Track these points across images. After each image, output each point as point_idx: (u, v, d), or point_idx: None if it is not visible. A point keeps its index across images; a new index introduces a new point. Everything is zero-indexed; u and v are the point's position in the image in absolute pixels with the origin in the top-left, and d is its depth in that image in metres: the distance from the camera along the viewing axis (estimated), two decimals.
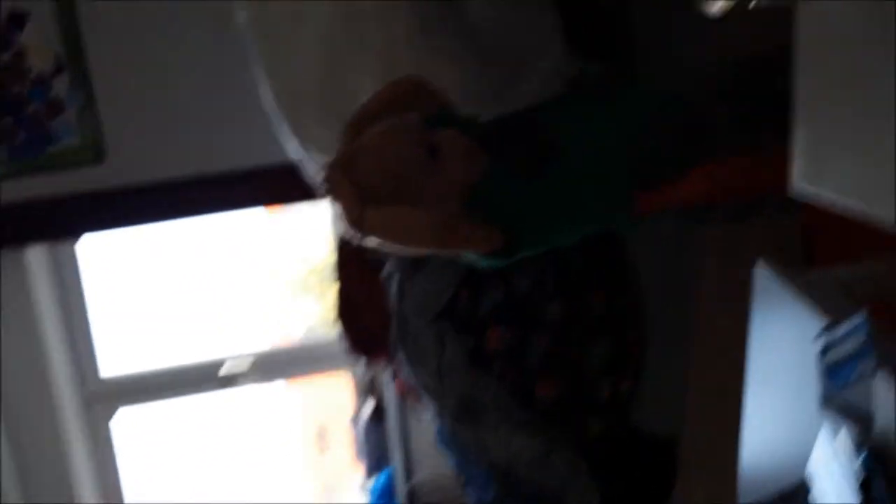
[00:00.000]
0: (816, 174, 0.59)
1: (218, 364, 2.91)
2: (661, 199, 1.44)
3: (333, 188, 1.34)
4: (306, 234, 3.48)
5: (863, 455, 0.89)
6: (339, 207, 1.34)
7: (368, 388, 2.99)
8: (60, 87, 2.36)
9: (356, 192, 1.32)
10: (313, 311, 3.92)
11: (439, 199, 1.36)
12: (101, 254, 2.97)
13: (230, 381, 2.90)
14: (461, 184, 1.38)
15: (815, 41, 0.58)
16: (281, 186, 2.48)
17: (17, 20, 2.29)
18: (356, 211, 1.30)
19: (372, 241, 1.37)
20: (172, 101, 2.40)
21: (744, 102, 1.38)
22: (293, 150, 2.14)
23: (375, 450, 2.98)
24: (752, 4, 0.49)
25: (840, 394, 0.93)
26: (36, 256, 2.63)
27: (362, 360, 2.31)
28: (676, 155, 1.40)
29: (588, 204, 1.41)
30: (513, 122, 1.50)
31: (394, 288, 2.07)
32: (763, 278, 1.11)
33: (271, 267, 3.88)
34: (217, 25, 2.25)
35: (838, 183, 0.57)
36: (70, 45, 2.32)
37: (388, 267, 2.11)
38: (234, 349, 2.98)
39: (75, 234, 2.61)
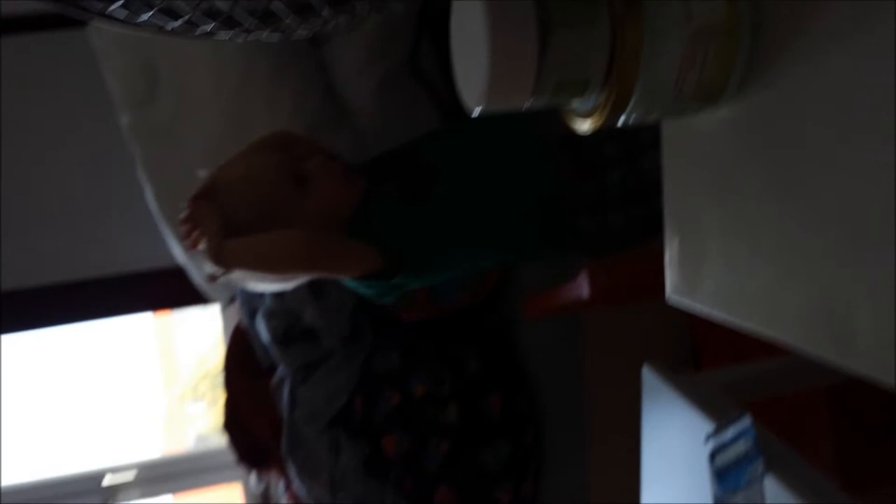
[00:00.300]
0: (688, 287, 0.59)
1: (100, 475, 2.73)
2: (548, 304, 1.44)
3: (193, 220, 1.19)
4: (197, 338, 3.37)
5: None
6: (200, 243, 1.19)
7: (260, 502, 2.86)
8: None
9: (217, 223, 1.19)
10: (204, 419, 3.75)
11: (312, 224, 1.25)
12: None
13: (113, 493, 2.72)
14: (337, 206, 1.28)
15: (680, 156, 0.58)
16: (167, 291, 2.41)
17: None
18: (214, 241, 1.16)
19: (239, 278, 1.22)
20: (57, 205, 2.31)
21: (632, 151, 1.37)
22: (178, 253, 2.09)
23: None
24: (619, 123, 0.50)
25: (731, 499, 0.92)
26: None
27: (252, 472, 2.21)
28: (566, 190, 1.33)
29: (474, 231, 1.31)
30: (394, 152, 1.43)
31: (285, 395, 2.00)
32: (650, 379, 1.11)
33: (160, 372, 3.72)
34: (101, 130, 2.19)
35: (710, 296, 0.57)
36: None
37: (278, 373, 2.05)
38: (119, 459, 2.82)
39: None
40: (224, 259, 1.15)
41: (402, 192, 1.30)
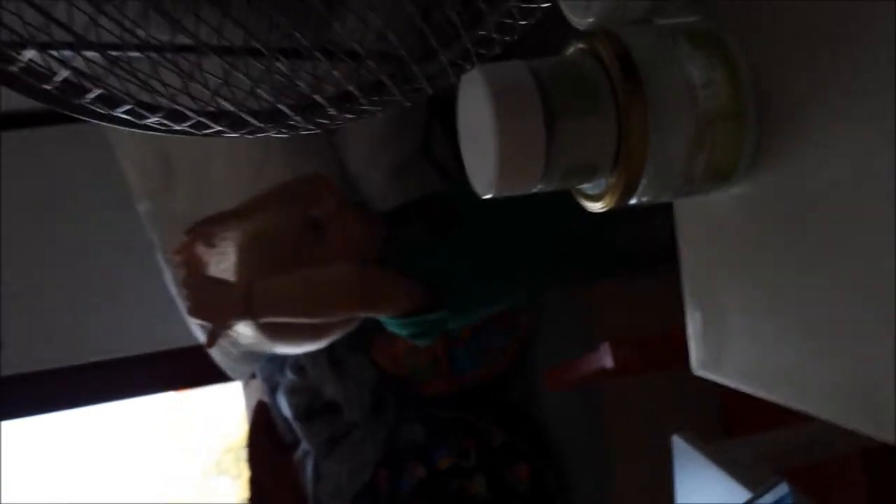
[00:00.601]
0: (714, 361, 0.58)
1: None
2: (570, 376, 1.43)
3: (215, 260, 1.12)
4: (219, 415, 3.35)
5: None
6: (219, 296, 1.06)
7: None
8: None
9: (239, 271, 1.11)
10: (229, 494, 3.71)
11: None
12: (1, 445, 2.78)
13: None
14: (357, 246, 1.21)
15: (695, 232, 0.58)
16: (188, 370, 2.42)
17: None
18: (241, 286, 1.05)
19: (267, 329, 1.08)
20: (73, 286, 2.34)
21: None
22: (197, 333, 2.10)
23: None
24: (631, 203, 0.50)
25: None
26: None
27: None
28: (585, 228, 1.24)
29: (506, 254, 1.23)
30: (412, 201, 1.40)
31: (308, 470, 1.98)
32: (681, 449, 1.09)
33: (184, 448, 3.70)
34: (118, 213, 2.23)
35: (736, 370, 0.56)
36: None
37: (301, 448, 2.03)
38: None
39: None
40: (253, 304, 1.03)
41: (430, 226, 1.25)
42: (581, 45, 0.50)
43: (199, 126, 0.37)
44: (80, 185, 2.31)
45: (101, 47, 0.34)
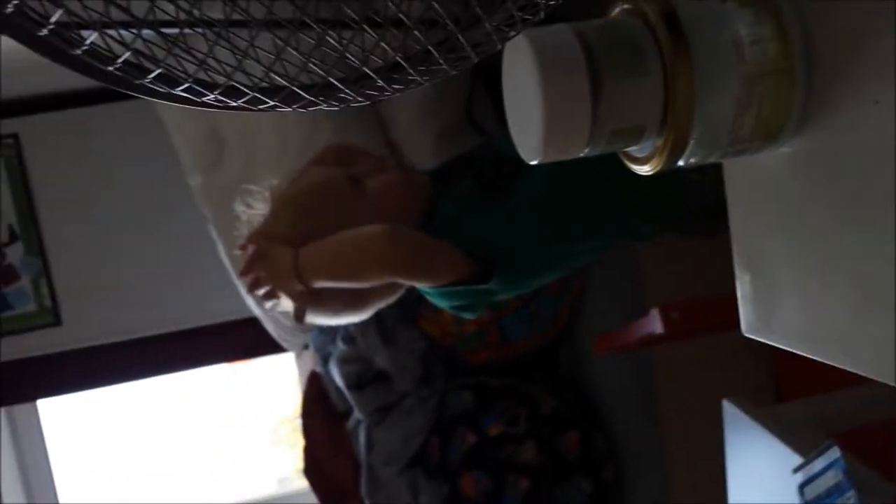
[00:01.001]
0: (764, 323, 0.58)
1: None
2: (619, 342, 1.42)
3: (258, 259, 1.08)
4: (274, 384, 3.41)
5: None
6: (273, 266, 1.05)
7: None
8: (14, 256, 2.35)
9: (286, 240, 1.09)
10: (285, 463, 3.79)
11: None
12: (63, 415, 2.88)
13: None
14: (400, 201, 1.15)
15: (744, 193, 0.58)
16: (243, 341, 2.46)
17: None
18: (289, 252, 1.03)
19: (318, 293, 1.06)
20: (128, 262, 2.40)
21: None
22: (251, 304, 2.14)
23: None
24: (679, 165, 0.50)
25: None
26: None
27: None
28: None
29: (563, 221, 1.14)
30: (465, 154, 1.32)
31: (361, 438, 2.01)
32: (732, 413, 1.09)
33: (240, 419, 3.78)
34: (170, 188, 2.27)
35: (786, 331, 0.56)
36: (23, 215, 2.32)
37: (353, 417, 2.06)
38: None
39: (35, 397, 2.55)
40: (305, 273, 1.02)
41: (482, 188, 1.17)
42: (626, 6, 0.50)
43: (254, 101, 0.38)
44: (132, 161, 2.36)
45: (158, 25, 0.35)
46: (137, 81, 0.37)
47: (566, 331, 1.98)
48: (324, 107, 0.44)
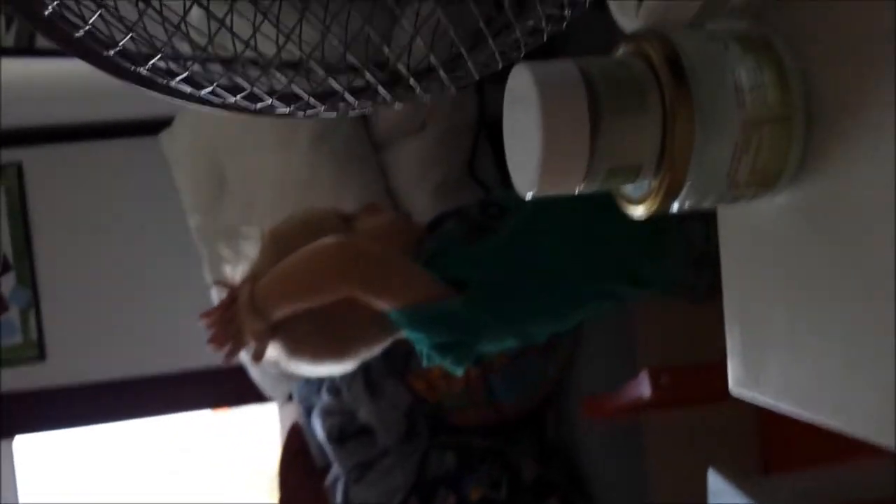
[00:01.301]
0: (752, 377, 0.57)
1: None
2: (608, 406, 1.41)
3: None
4: (256, 433, 3.37)
5: None
6: (231, 313, 1.03)
7: None
8: (6, 286, 2.33)
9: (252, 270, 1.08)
10: None
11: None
12: (38, 454, 2.82)
13: None
14: (386, 238, 1.12)
15: (738, 241, 0.57)
16: (227, 389, 2.44)
17: None
18: (246, 288, 1.01)
19: (286, 341, 1.03)
20: (119, 300, 2.38)
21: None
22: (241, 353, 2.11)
23: None
24: (674, 209, 0.50)
25: None
26: None
27: None
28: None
29: (548, 263, 1.10)
30: (453, 208, 1.31)
31: (338, 495, 1.97)
32: (717, 484, 1.07)
33: (219, 465, 3.72)
34: (168, 229, 2.28)
35: (775, 386, 0.55)
36: (19, 245, 2.32)
37: (332, 472, 2.02)
38: None
39: (14, 432, 2.50)
40: (262, 303, 0.99)
41: (469, 225, 1.16)
42: (629, 47, 0.50)
43: (251, 100, 0.39)
44: (133, 198, 2.36)
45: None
46: (165, 82, 0.37)
47: (555, 394, 1.96)
48: (321, 111, 0.44)
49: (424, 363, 1.11)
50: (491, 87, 1.99)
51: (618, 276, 1.11)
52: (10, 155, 2.34)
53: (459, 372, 1.11)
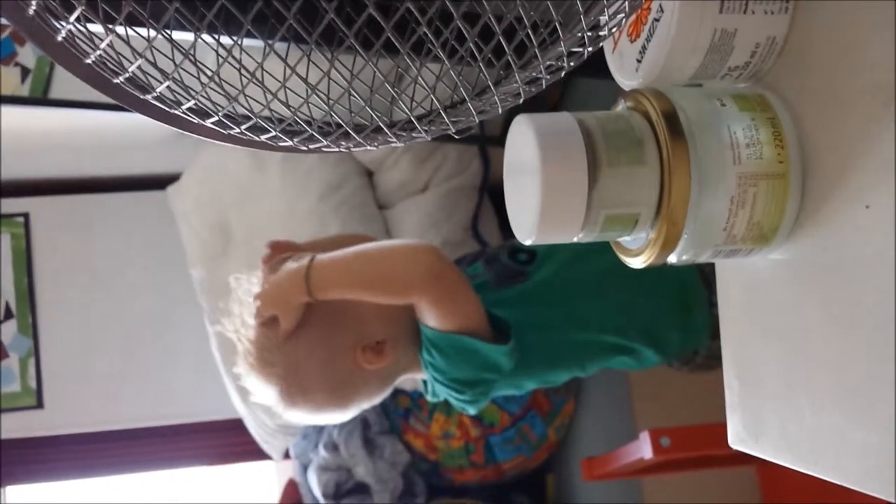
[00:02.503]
0: (751, 433, 0.57)
1: None
2: (608, 467, 1.39)
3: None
4: (252, 489, 3.32)
5: None
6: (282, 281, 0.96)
7: None
8: (6, 333, 2.33)
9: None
10: None
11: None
12: None
13: None
14: None
15: (735, 296, 0.58)
16: (225, 444, 2.42)
17: None
18: (302, 266, 0.95)
19: (289, 382, 0.98)
20: (118, 352, 2.38)
21: None
22: (238, 404, 2.11)
23: None
24: (671, 261, 0.50)
25: None
26: None
27: None
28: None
29: (576, 310, 1.08)
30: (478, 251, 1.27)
31: None
32: None
33: None
34: (170, 282, 2.29)
35: (774, 442, 0.55)
36: (21, 293, 2.33)
37: None
38: None
39: (3, 482, 2.47)
40: (316, 277, 0.93)
41: (498, 271, 1.12)
42: (629, 103, 0.51)
43: (254, 131, 0.40)
44: (137, 252, 2.38)
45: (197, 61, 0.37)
46: (172, 111, 0.38)
47: (555, 455, 1.94)
48: (337, 150, 0.45)
49: (429, 398, 1.07)
50: (494, 150, 2.02)
51: (644, 335, 1.08)
52: (18, 205, 2.37)
53: (472, 411, 1.06)
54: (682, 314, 1.10)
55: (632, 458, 1.29)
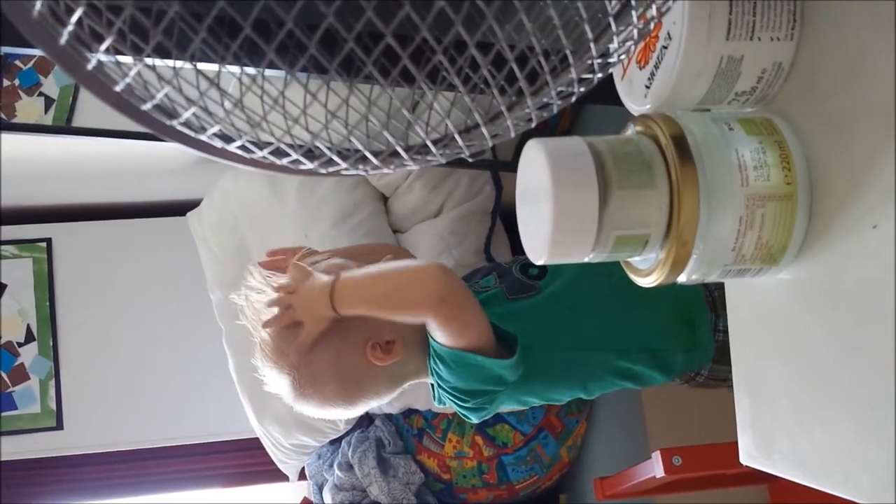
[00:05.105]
0: (762, 450, 0.57)
1: None
2: (621, 486, 1.39)
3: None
4: None
5: None
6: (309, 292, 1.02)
7: None
8: (27, 356, 2.36)
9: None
10: None
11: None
12: None
13: None
14: None
15: (745, 315, 0.59)
16: (241, 465, 2.42)
17: None
18: (327, 277, 1.01)
19: (302, 373, 1.03)
20: (138, 374, 2.40)
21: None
22: (254, 424, 2.12)
23: None
24: (681, 280, 0.51)
25: None
26: None
27: None
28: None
29: (585, 326, 1.10)
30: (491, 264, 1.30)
31: None
32: None
33: None
34: (190, 305, 2.31)
35: (785, 458, 0.55)
36: (43, 316, 2.36)
37: None
38: None
39: (27, 500, 2.48)
40: (340, 294, 0.98)
41: (508, 284, 1.14)
42: (638, 127, 0.53)
43: (296, 163, 0.41)
44: (157, 276, 2.41)
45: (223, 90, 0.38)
46: (197, 136, 0.40)
47: (567, 475, 1.94)
48: (352, 173, 0.47)
49: (436, 403, 1.10)
50: (506, 175, 2.04)
51: (647, 356, 1.10)
52: (41, 230, 2.41)
53: (474, 419, 1.09)
54: (685, 334, 1.10)
55: (644, 477, 1.29)
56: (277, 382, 1.04)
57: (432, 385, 1.09)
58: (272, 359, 1.03)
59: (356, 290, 1.00)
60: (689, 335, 1.10)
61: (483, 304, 1.06)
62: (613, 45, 0.43)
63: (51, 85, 2.01)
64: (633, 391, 1.33)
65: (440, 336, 1.01)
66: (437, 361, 1.03)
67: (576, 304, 1.10)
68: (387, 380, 1.07)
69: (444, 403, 1.09)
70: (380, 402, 1.10)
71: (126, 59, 0.40)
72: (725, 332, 1.06)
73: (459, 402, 1.05)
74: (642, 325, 1.09)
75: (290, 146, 0.40)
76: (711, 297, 1.11)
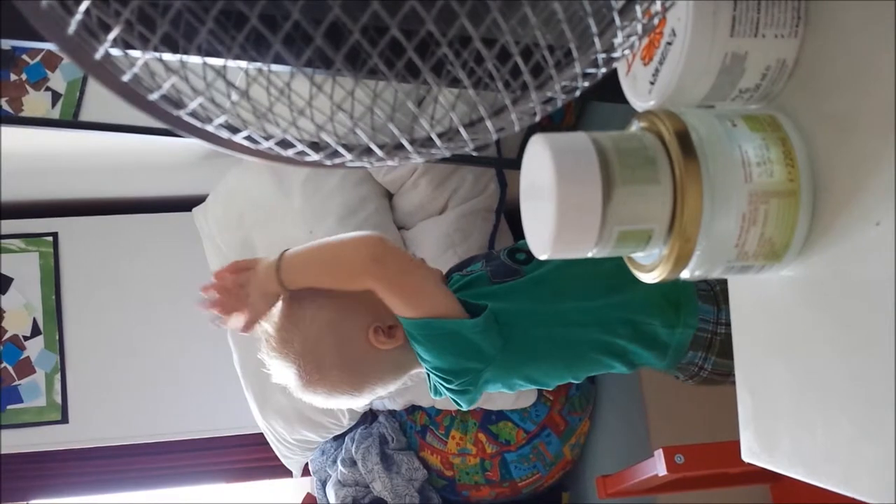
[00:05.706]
0: (764, 447, 0.57)
1: None
2: (623, 484, 1.39)
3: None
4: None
5: None
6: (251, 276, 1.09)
7: None
8: (33, 349, 2.37)
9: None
10: None
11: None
12: None
13: None
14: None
15: (748, 313, 0.59)
16: (245, 460, 2.43)
17: (1, 284, 2.36)
18: (272, 259, 1.08)
19: (306, 364, 1.05)
20: (143, 368, 2.41)
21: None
22: (259, 419, 2.13)
23: None
24: (684, 277, 0.52)
25: None
26: None
27: None
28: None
29: (570, 307, 1.10)
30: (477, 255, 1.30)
31: None
32: None
33: None
34: (191, 302, 2.31)
35: (786, 455, 0.55)
36: (49, 310, 2.37)
37: None
38: None
39: (31, 494, 2.49)
40: (285, 270, 1.05)
41: (495, 267, 1.15)
42: (642, 124, 0.53)
43: (301, 154, 0.41)
44: (162, 271, 2.42)
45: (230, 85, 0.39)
46: (203, 126, 0.40)
47: (570, 472, 1.94)
48: (357, 165, 0.47)
49: (432, 394, 1.11)
50: (510, 172, 2.05)
51: (631, 332, 1.10)
52: (47, 224, 2.42)
53: (464, 405, 1.10)
54: (669, 311, 1.10)
55: (646, 476, 1.29)
56: (284, 372, 1.05)
57: (427, 375, 1.10)
58: (277, 349, 1.05)
59: (298, 263, 1.06)
60: (673, 314, 1.10)
61: (465, 287, 1.09)
62: (618, 41, 0.43)
63: (58, 80, 2.02)
64: (635, 390, 1.33)
65: (395, 306, 1.04)
66: (413, 341, 1.06)
67: (558, 287, 1.11)
68: (391, 366, 1.09)
69: (440, 394, 1.10)
70: (385, 390, 1.11)
71: (133, 51, 0.41)
72: (728, 325, 1.07)
73: (446, 385, 1.07)
74: (626, 301, 1.09)
75: (296, 138, 0.40)
76: (713, 290, 1.11)
